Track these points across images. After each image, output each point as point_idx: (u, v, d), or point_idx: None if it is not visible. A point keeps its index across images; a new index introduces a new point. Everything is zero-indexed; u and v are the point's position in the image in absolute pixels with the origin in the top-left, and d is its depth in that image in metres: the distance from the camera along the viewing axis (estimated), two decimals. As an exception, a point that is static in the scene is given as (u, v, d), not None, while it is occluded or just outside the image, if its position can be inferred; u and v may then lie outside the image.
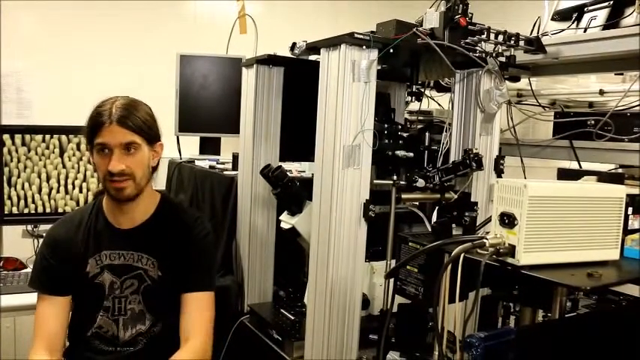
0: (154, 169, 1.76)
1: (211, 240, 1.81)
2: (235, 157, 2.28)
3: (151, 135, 1.68)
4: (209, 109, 2.91)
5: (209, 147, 2.97)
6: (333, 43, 1.58)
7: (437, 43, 1.62)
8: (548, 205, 1.25)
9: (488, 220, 1.66)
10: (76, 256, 1.73)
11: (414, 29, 1.65)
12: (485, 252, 1.25)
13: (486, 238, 1.27)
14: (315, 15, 3.78)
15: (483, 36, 1.71)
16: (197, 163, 2.69)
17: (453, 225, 1.67)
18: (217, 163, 2.57)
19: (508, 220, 1.24)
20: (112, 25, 3.33)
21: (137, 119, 1.63)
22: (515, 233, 1.23)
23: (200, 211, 2.33)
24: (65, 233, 1.75)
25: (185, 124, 2.89)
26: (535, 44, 1.81)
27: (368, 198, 1.62)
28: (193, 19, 3.58)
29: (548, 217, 1.25)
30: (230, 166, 2.42)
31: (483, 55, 1.74)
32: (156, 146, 1.72)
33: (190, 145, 3.00)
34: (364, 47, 1.56)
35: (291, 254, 2.09)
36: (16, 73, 2.75)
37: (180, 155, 2.89)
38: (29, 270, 2.38)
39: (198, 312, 1.72)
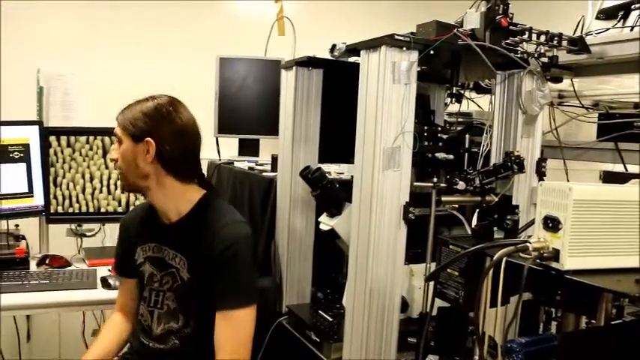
0: (171, 168, 1.69)
1: (236, 252, 1.64)
2: (274, 159, 2.29)
3: (134, 132, 1.67)
4: (248, 110, 2.93)
5: (248, 148, 2.99)
6: (373, 44, 1.57)
7: (478, 44, 1.60)
8: (594, 209, 1.22)
9: (531, 223, 1.64)
10: (130, 242, 1.86)
11: (455, 30, 1.63)
12: (528, 256, 1.23)
13: (529, 242, 1.24)
14: (353, 16, 3.77)
15: (525, 36, 1.68)
16: (236, 164, 2.71)
17: (495, 228, 1.64)
18: (256, 165, 2.58)
19: (552, 224, 1.22)
20: (153, 27, 3.39)
21: (127, 114, 1.70)
22: (560, 237, 1.20)
23: (239, 212, 2.34)
24: (129, 220, 1.91)
25: (224, 126, 2.92)
26: (579, 44, 1.77)
27: (408, 200, 1.60)
28: (232, 20, 3.61)
29: (594, 221, 1.22)
30: (269, 167, 2.43)
31: (525, 55, 1.71)
32: (143, 143, 1.66)
33: (229, 146, 3.02)
34: (404, 49, 1.55)
35: (330, 256, 2.09)
36: (61, 77, 2.80)
37: (220, 157, 2.91)
38: (74, 267, 2.44)
39: (223, 330, 1.64)
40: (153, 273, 1.78)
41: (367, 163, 1.59)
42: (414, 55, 1.57)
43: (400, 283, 1.66)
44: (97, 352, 1.87)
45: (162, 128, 1.67)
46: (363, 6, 3.81)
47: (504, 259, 1.23)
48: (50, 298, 2.13)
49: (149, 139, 1.65)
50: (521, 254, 1.24)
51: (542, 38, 1.70)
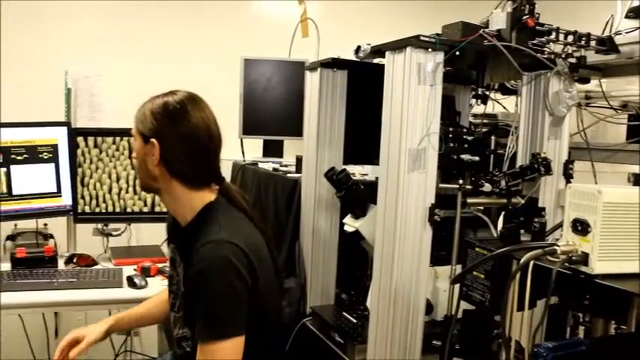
0: (176, 172, 1.56)
1: (207, 279, 1.43)
2: (299, 160, 2.29)
3: (143, 131, 1.57)
4: (272, 112, 2.94)
5: (272, 149, 3.00)
6: (398, 45, 1.56)
7: (504, 45, 1.58)
8: (624, 212, 1.19)
9: (558, 226, 1.61)
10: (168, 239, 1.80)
11: (481, 31, 1.61)
12: (557, 259, 1.21)
13: (557, 245, 1.22)
14: (377, 17, 3.75)
15: (552, 36, 1.66)
16: (260, 165, 2.72)
17: (521, 231, 1.62)
18: (280, 166, 2.59)
19: (581, 227, 1.19)
20: (178, 29, 3.41)
21: (139, 111, 1.61)
22: (589, 241, 1.18)
23: (263, 213, 2.33)
24: (169, 216, 1.77)
25: (249, 127, 2.93)
26: (607, 44, 1.74)
27: (433, 202, 1.59)
28: (256, 22, 3.61)
29: (624, 224, 1.19)
30: (293, 168, 2.43)
31: (552, 56, 1.68)
32: (150, 144, 1.55)
33: (254, 147, 3.03)
34: (430, 50, 1.54)
35: (354, 257, 2.08)
36: (87, 78, 2.84)
37: (244, 158, 2.92)
38: (100, 266, 2.46)
39: None
40: (172, 275, 1.73)
41: (392, 164, 1.57)
42: (440, 56, 1.56)
43: (425, 285, 1.65)
44: (139, 309, 1.91)
45: (168, 130, 1.54)
46: (386, 7, 3.79)
47: (532, 262, 1.21)
48: (77, 296, 2.15)
49: (154, 140, 1.54)
50: (549, 257, 1.22)
51: (570, 38, 1.68)
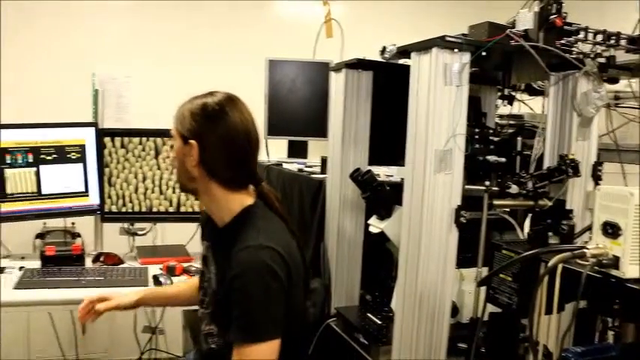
0: (214, 174, 1.56)
1: (244, 283, 1.44)
2: (324, 161, 2.28)
3: (182, 131, 1.56)
4: (297, 112, 2.94)
5: (297, 150, 3.00)
6: (424, 46, 1.55)
7: (531, 45, 1.56)
8: (657, 215, 1.17)
9: (587, 229, 1.58)
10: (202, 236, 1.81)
11: (508, 31, 1.59)
12: (586, 262, 1.19)
13: (587, 248, 1.20)
14: (401, 18, 3.73)
15: (580, 36, 1.63)
16: (285, 165, 2.72)
17: (549, 233, 1.60)
18: (305, 167, 2.59)
19: (612, 230, 1.17)
20: (203, 31, 3.44)
21: (179, 112, 1.59)
22: (620, 244, 1.16)
23: (288, 213, 2.32)
24: (204, 213, 1.78)
25: (273, 128, 2.93)
26: (638, 43, 1.70)
27: (459, 203, 1.57)
28: (281, 23, 3.62)
29: (657, 227, 1.17)
30: (318, 169, 2.43)
31: (581, 56, 1.65)
32: (188, 145, 1.54)
33: (279, 148, 3.04)
34: (456, 50, 1.52)
35: (379, 258, 2.07)
36: (115, 80, 2.87)
37: (269, 158, 2.93)
38: (127, 265, 2.48)
39: None
40: (203, 271, 1.73)
41: (418, 165, 1.56)
42: (466, 57, 1.54)
43: (451, 287, 1.63)
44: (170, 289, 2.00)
45: (207, 131, 1.53)
46: (410, 7, 3.77)
47: (560, 266, 1.19)
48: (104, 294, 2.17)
49: (192, 141, 1.53)
50: (578, 261, 1.20)
51: (599, 38, 1.65)
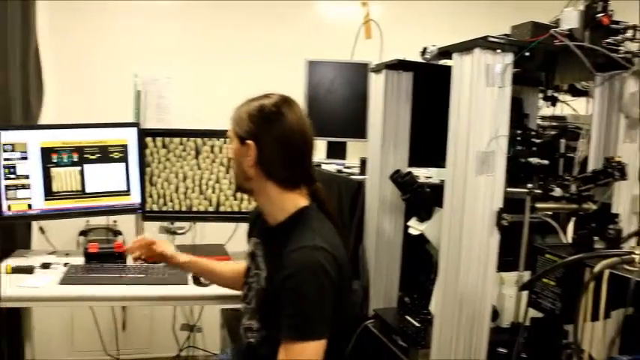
0: (271, 173, 1.60)
1: (296, 283, 1.47)
2: (363, 162, 2.28)
3: (239, 133, 1.61)
4: (335, 113, 2.94)
5: (336, 151, 3.00)
6: (466, 47, 1.53)
7: (576, 45, 1.53)
8: None
9: (635, 233, 1.54)
10: (251, 231, 1.86)
11: (552, 31, 1.56)
12: (635, 268, 1.15)
13: (635, 253, 1.17)
14: (440, 18, 3.69)
15: (628, 34, 1.59)
16: (324, 166, 2.72)
17: (595, 238, 1.56)
18: (344, 167, 2.59)
19: (662, 235, 1.14)
20: (243, 32, 3.45)
21: (236, 114, 1.64)
22: (671, 250, 1.12)
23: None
24: (254, 211, 1.86)
25: (312, 128, 2.93)
26: (689, 42, 1.65)
27: (501, 206, 1.55)
28: (320, 24, 3.62)
29: None
30: (357, 170, 2.42)
31: (629, 55, 1.61)
32: (245, 145, 1.59)
33: (317, 148, 3.03)
34: (499, 51, 1.50)
35: (418, 260, 2.04)
36: (156, 81, 2.91)
37: (307, 159, 2.93)
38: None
39: (281, 358, 1.50)
40: (250, 267, 1.76)
41: (459, 167, 1.55)
42: (509, 57, 1.51)
43: (491, 290, 1.60)
44: (216, 264, 2.06)
45: (264, 132, 1.58)
46: (449, 7, 3.72)
47: (607, 271, 1.16)
48: (145, 291, 2.20)
49: (250, 141, 1.58)
50: (626, 266, 1.17)
51: (648, 36, 1.60)
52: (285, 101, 1.63)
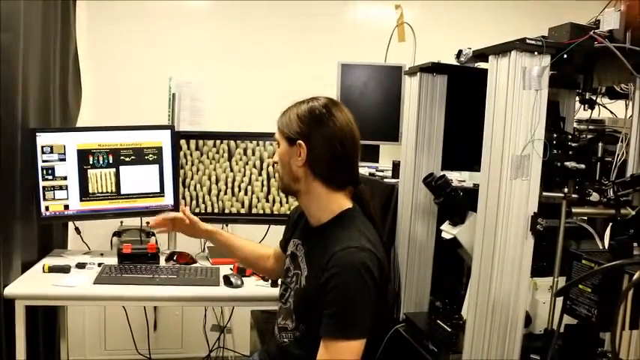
0: (319, 173, 1.64)
1: (340, 283, 1.51)
2: (396, 165, 2.27)
3: (289, 134, 1.66)
4: (368, 116, 2.93)
5: (368, 154, 2.98)
6: (502, 49, 1.51)
7: (617, 47, 1.50)
8: None
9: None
10: (289, 231, 1.91)
11: (591, 32, 1.53)
12: (675, 276, 1.13)
13: (676, 261, 1.15)
14: (474, 20, 3.66)
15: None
16: (356, 169, 2.71)
17: (635, 244, 1.53)
18: (377, 171, 2.59)
19: None
20: (276, 36, 3.47)
21: (284, 117, 1.69)
22: None
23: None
24: (294, 211, 1.93)
25: (345, 132, 2.94)
26: None
27: (536, 211, 1.53)
28: (353, 27, 3.62)
29: None
30: (389, 173, 2.42)
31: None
32: (296, 146, 1.64)
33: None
34: (536, 53, 1.48)
35: (450, 265, 2.04)
36: (189, 84, 2.95)
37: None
38: (198, 265, 2.54)
39: (322, 356, 1.53)
40: (289, 267, 1.78)
41: (494, 171, 1.53)
42: (546, 60, 1.50)
43: (525, 296, 1.58)
44: (239, 240, 2.10)
45: (315, 132, 1.63)
46: (483, 8, 3.69)
47: (647, 278, 1.14)
48: (177, 292, 2.23)
49: (301, 141, 1.63)
50: (666, 273, 1.15)
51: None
52: (334, 103, 1.69)
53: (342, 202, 1.69)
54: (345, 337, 1.50)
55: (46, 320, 2.60)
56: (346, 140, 1.64)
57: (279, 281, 1.89)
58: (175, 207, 2.67)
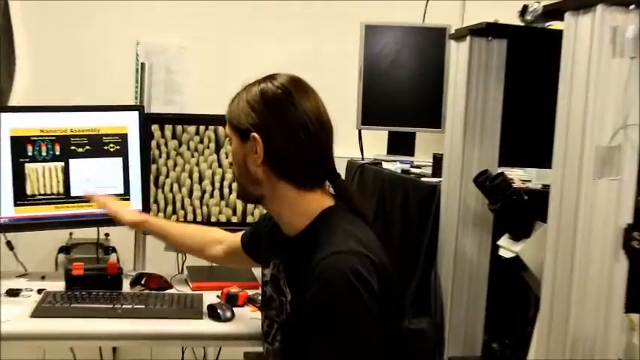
0: (283, 171, 1.68)
1: (327, 299, 1.54)
2: (438, 160, 2.28)
3: (239, 127, 1.69)
4: (401, 94, 2.95)
5: (400, 145, 3.01)
6: (584, 3, 1.50)
7: None
8: None
9: None
10: (261, 244, 1.99)
11: None
12: None
13: None
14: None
15: None
16: (385, 165, 2.74)
17: None
18: (412, 167, 2.60)
19: None
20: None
21: (233, 105, 1.74)
22: None
23: (387, 229, 2.32)
24: (263, 221, 2.04)
25: (370, 115, 2.96)
26: None
27: (630, 221, 1.51)
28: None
29: None
30: (429, 170, 2.43)
31: None
32: (250, 141, 1.67)
33: (376, 142, 3.04)
34: (632, 7, 1.47)
35: (511, 293, 2.03)
36: (165, 51, 2.94)
37: (363, 155, 2.93)
38: (174, 291, 2.53)
39: None
40: (271, 296, 1.80)
41: (571, 168, 1.52)
42: (646, 17, 1.49)
43: (617, 338, 1.57)
44: (176, 227, 2.33)
45: (271, 121, 1.66)
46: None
47: None
48: (145, 327, 2.22)
49: (255, 134, 1.65)
50: None
51: None
52: (294, 81, 1.71)
53: (319, 201, 1.72)
54: None
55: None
56: (313, 128, 1.66)
57: (261, 315, 1.91)
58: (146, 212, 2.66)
